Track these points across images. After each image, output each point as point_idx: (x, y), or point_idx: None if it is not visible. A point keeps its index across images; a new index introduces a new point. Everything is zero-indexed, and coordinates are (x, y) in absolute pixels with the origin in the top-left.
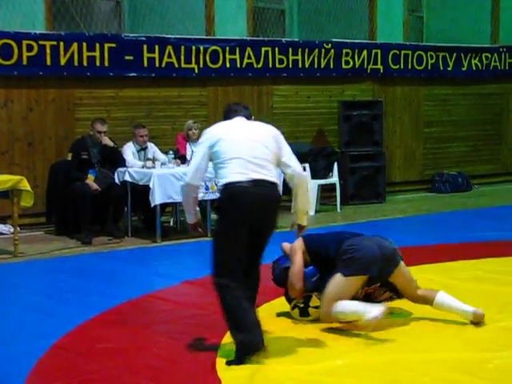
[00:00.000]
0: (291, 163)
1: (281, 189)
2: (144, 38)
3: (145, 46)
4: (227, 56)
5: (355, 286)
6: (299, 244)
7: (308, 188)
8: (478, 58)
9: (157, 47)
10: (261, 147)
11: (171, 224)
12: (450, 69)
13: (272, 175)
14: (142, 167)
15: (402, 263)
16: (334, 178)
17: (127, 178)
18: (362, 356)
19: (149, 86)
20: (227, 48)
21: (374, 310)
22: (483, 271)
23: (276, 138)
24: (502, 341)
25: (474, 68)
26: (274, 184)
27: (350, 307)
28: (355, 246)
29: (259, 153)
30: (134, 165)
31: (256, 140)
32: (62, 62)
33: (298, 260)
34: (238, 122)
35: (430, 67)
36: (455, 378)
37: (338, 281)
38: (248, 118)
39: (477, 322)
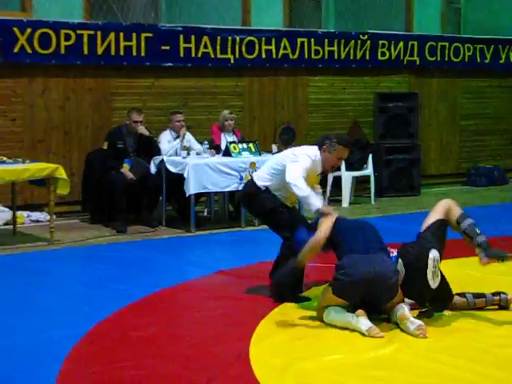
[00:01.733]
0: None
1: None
2: (180, 28)
3: (181, 36)
4: (263, 47)
5: (342, 301)
6: (331, 219)
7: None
8: None
9: (193, 37)
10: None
11: (205, 214)
12: (487, 61)
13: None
14: (176, 154)
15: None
16: (369, 170)
17: (162, 167)
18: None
19: (185, 75)
20: (263, 39)
21: (363, 323)
22: None
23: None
24: None
25: (511, 60)
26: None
27: (339, 317)
28: (347, 270)
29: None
30: (169, 149)
31: None
32: (99, 51)
33: (325, 229)
34: None
35: (467, 59)
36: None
37: (327, 290)
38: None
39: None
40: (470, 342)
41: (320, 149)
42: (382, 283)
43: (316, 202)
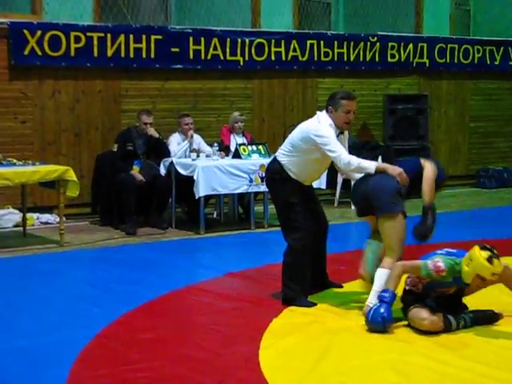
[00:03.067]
0: None
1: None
2: (190, 30)
3: (191, 38)
4: (272, 49)
5: None
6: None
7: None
8: None
9: (202, 39)
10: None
11: (215, 216)
12: (496, 63)
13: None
14: (186, 156)
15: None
16: None
17: (172, 169)
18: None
19: (194, 77)
20: (273, 41)
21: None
22: None
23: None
24: None
25: None
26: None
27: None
28: None
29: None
30: (179, 151)
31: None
32: (109, 53)
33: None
34: None
35: (476, 61)
36: None
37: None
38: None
39: None
40: (480, 343)
41: (327, 112)
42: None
43: (369, 164)
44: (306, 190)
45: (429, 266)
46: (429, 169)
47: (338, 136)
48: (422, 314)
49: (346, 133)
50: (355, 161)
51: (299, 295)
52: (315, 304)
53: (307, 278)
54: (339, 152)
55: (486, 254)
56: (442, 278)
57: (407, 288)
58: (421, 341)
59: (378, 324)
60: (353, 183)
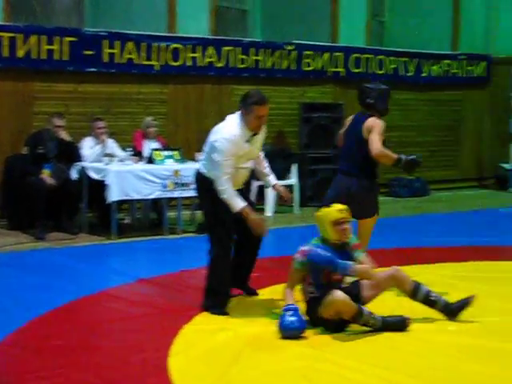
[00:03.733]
0: None
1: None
2: (105, 33)
3: (105, 41)
4: (188, 54)
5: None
6: None
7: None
8: (438, 65)
9: (117, 43)
10: None
11: (127, 221)
12: (410, 74)
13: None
14: (98, 160)
15: None
16: (292, 180)
17: (84, 173)
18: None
19: (108, 81)
20: (189, 46)
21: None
22: (436, 276)
23: None
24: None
25: (433, 74)
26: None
27: None
28: None
29: None
30: (91, 155)
31: None
32: (20, 54)
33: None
34: None
35: (390, 72)
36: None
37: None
38: None
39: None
40: (390, 350)
41: (240, 112)
42: None
43: (235, 204)
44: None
45: (297, 258)
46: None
47: (249, 140)
48: (334, 292)
49: (263, 132)
50: (227, 192)
51: (217, 304)
52: (228, 313)
53: (227, 287)
54: (221, 174)
55: (323, 208)
56: (315, 258)
57: (308, 299)
58: (333, 347)
59: (290, 330)
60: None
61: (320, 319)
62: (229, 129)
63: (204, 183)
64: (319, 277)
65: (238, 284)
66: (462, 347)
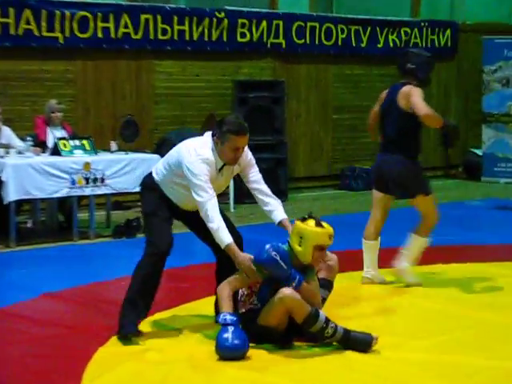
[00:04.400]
0: None
1: None
2: None
3: None
4: (99, 24)
5: None
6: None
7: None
8: (396, 34)
9: (11, 10)
10: None
11: (29, 225)
12: (363, 45)
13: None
14: None
15: None
16: None
17: None
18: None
19: (2, 57)
20: (99, 14)
21: None
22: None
23: None
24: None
25: (391, 45)
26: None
27: None
28: None
29: None
30: None
31: None
32: None
33: None
34: None
35: (340, 43)
36: None
37: None
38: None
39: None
40: (340, 370)
41: (213, 138)
42: None
43: (223, 237)
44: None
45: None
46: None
47: (221, 168)
48: (284, 290)
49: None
50: (216, 223)
51: (130, 320)
52: (140, 333)
53: (147, 300)
54: (205, 199)
55: (311, 222)
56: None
57: (244, 311)
58: (276, 369)
59: (229, 350)
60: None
61: (261, 331)
62: (203, 151)
63: (149, 185)
64: (268, 287)
65: None
66: (426, 365)
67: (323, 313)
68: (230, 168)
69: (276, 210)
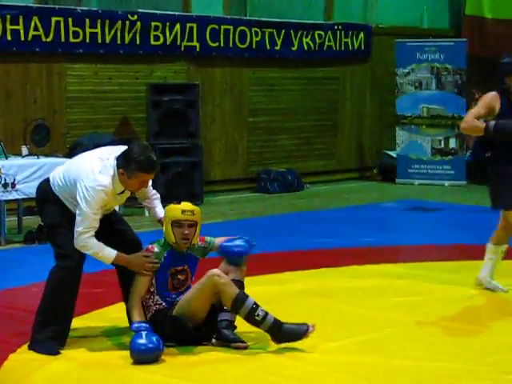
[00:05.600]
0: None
1: None
2: None
3: None
4: (8, 26)
5: None
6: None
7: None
8: (309, 37)
9: None
10: None
11: None
12: (277, 48)
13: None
14: None
15: None
16: None
17: None
18: None
19: None
20: (8, 16)
21: None
22: (315, 284)
23: None
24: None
25: (305, 48)
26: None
27: None
28: None
29: None
30: None
31: None
32: None
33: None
34: None
35: (254, 46)
36: None
37: None
38: None
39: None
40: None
41: (118, 168)
42: None
43: (108, 254)
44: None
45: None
46: None
47: (122, 192)
48: (212, 270)
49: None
50: (92, 247)
51: (46, 337)
52: (59, 353)
53: (65, 318)
54: (85, 230)
55: (173, 203)
56: (157, 256)
57: (153, 313)
58: (192, 372)
59: (142, 353)
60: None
61: (175, 325)
62: (104, 178)
63: (50, 196)
64: (166, 281)
65: None
66: (346, 366)
67: (251, 298)
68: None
69: (156, 206)
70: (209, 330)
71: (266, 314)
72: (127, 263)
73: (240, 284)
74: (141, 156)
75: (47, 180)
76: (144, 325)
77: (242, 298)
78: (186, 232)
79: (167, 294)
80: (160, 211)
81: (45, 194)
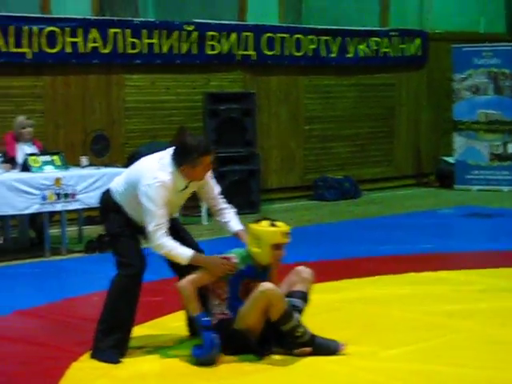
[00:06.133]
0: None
1: None
2: None
3: None
4: (67, 39)
5: None
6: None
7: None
8: (365, 43)
9: None
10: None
11: (0, 242)
12: (333, 55)
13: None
14: None
15: None
16: None
17: None
18: None
19: None
20: (67, 29)
21: None
22: (373, 291)
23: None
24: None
25: (361, 55)
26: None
27: None
28: None
29: None
30: None
31: None
32: None
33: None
34: None
35: (310, 53)
36: None
37: None
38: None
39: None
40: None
41: (179, 167)
42: None
43: (182, 253)
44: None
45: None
46: None
47: (185, 188)
48: (264, 284)
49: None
50: (167, 247)
51: (109, 346)
52: (119, 362)
53: (126, 326)
54: (155, 228)
55: (265, 223)
56: (236, 267)
57: (217, 322)
58: (244, 379)
59: (199, 356)
60: None
61: (236, 338)
62: (163, 175)
63: (112, 206)
64: (237, 291)
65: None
66: (404, 374)
67: (297, 313)
68: (193, 186)
69: (231, 220)
70: (268, 343)
71: (305, 329)
72: (205, 263)
73: (304, 296)
74: (196, 142)
75: (108, 190)
76: (206, 320)
77: (289, 313)
78: (283, 254)
79: (237, 304)
80: (236, 225)
81: (106, 203)
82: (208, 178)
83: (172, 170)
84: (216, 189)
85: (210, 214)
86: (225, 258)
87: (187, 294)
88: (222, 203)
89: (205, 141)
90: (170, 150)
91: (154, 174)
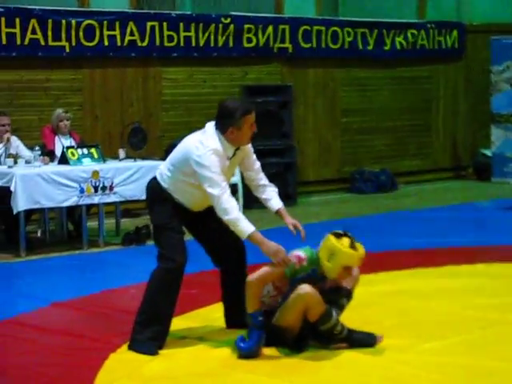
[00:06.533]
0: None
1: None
2: (1, 9)
3: (2, 19)
4: (105, 32)
5: None
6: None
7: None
8: (402, 36)
9: (17, 20)
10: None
11: (39, 235)
12: (370, 48)
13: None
14: (1, 163)
15: None
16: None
17: None
18: None
19: (8, 67)
20: (105, 22)
21: None
22: (410, 284)
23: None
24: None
25: (398, 47)
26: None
27: None
28: None
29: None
30: None
31: None
32: None
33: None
34: None
35: (347, 46)
36: None
37: None
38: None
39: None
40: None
41: (223, 132)
42: None
43: (244, 227)
44: (201, 215)
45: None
46: None
47: (233, 156)
48: (303, 286)
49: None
50: (234, 213)
51: (147, 338)
52: (157, 353)
53: (164, 319)
54: (220, 192)
55: (346, 241)
56: (302, 270)
57: (271, 309)
58: (283, 372)
59: (243, 349)
60: None
61: (275, 332)
62: (212, 142)
63: (159, 195)
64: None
65: (233, 322)
66: (443, 367)
67: (335, 310)
68: (239, 156)
69: (272, 198)
70: (305, 340)
71: (343, 326)
72: (262, 244)
73: (349, 293)
74: (237, 104)
75: (154, 178)
76: (258, 317)
77: (328, 314)
78: (349, 274)
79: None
80: (277, 203)
81: (153, 193)
82: (250, 150)
83: (219, 137)
84: (257, 163)
85: (251, 190)
86: (295, 255)
87: (253, 291)
88: (265, 179)
89: (245, 101)
90: (210, 124)
91: (204, 144)
